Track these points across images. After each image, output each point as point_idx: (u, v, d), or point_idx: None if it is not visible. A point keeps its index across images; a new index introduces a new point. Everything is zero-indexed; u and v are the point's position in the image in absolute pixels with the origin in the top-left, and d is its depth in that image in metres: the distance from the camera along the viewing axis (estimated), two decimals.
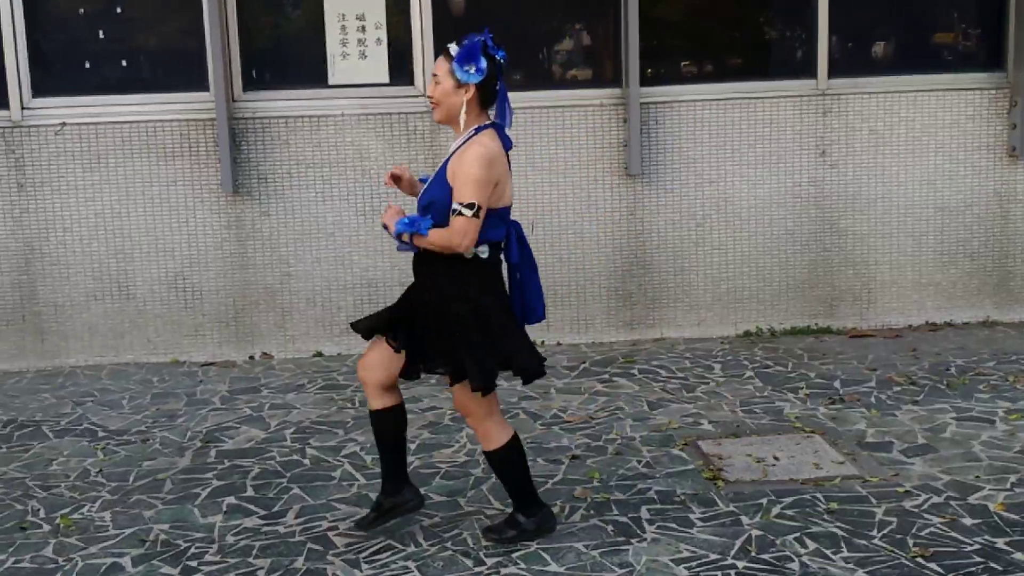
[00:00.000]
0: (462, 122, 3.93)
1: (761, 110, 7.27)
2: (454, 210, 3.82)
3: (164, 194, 7.07)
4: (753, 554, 4.06)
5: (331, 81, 7.14)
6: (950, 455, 5.04)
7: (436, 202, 3.93)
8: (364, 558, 4.16)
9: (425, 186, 4.07)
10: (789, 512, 4.43)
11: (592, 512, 4.51)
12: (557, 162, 7.23)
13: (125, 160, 7.04)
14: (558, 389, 6.30)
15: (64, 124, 7.00)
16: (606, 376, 6.53)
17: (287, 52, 7.39)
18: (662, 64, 7.41)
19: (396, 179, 4.17)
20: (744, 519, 4.38)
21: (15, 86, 6.95)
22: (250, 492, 4.89)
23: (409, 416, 5.78)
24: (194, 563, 4.17)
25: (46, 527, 4.58)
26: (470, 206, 3.80)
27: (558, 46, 7.62)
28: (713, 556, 4.06)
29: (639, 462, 5.07)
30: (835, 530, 4.25)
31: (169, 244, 7.12)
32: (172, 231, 7.11)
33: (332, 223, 7.13)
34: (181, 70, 7.18)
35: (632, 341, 7.34)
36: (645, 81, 7.14)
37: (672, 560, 4.04)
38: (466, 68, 3.87)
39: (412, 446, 5.38)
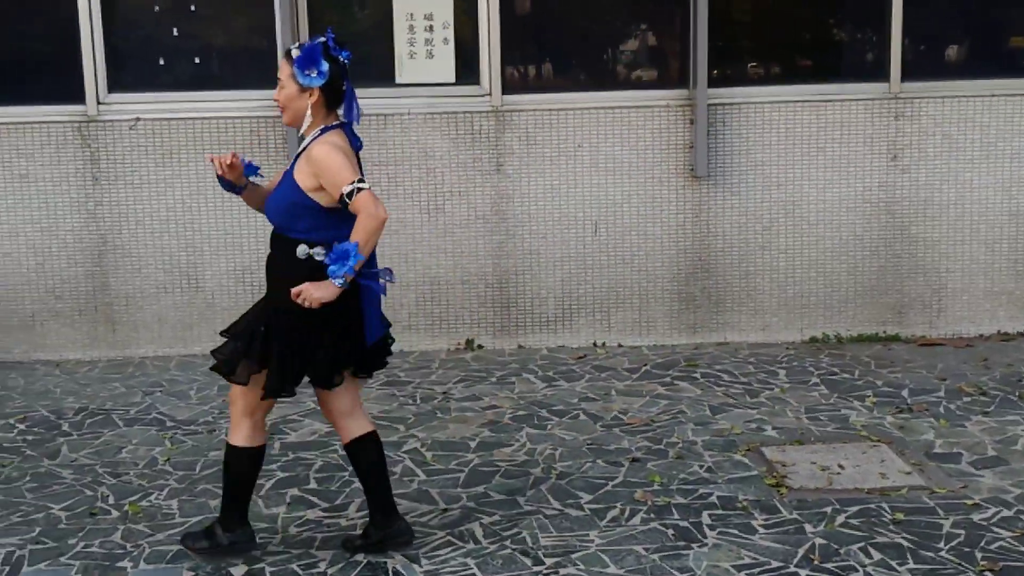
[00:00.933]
0: (306, 124, 3.92)
1: (831, 113, 7.20)
2: (349, 193, 3.76)
3: None
4: (816, 563, 4.03)
5: (398, 80, 7.19)
6: (1021, 468, 4.95)
7: (297, 204, 3.89)
8: (424, 553, 4.19)
9: (273, 190, 4.03)
10: (854, 521, 4.39)
11: (652, 516, 4.50)
12: (622, 163, 7.21)
13: (196, 156, 7.14)
14: (619, 391, 6.29)
15: (138, 119, 7.12)
16: (668, 379, 6.51)
17: (356, 51, 7.32)
18: (730, 65, 7.37)
19: (231, 167, 4.05)
20: (807, 527, 4.34)
21: (91, 81, 7.08)
22: (313, 484, 4.95)
23: (468, 414, 5.86)
24: (257, 553, 4.22)
25: (115, 513, 4.67)
26: (360, 181, 3.79)
27: (624, 47, 7.60)
28: (775, 564, 4.03)
29: (700, 467, 5.05)
30: (901, 541, 4.20)
31: (237, 239, 7.21)
32: (240, 226, 7.20)
33: (396, 220, 7.17)
34: (252, 67, 7.27)
35: (695, 345, 7.30)
36: (712, 82, 7.09)
37: (733, 566, 4.01)
38: (307, 72, 3.88)
39: (472, 444, 5.40)
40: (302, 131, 3.95)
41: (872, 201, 7.27)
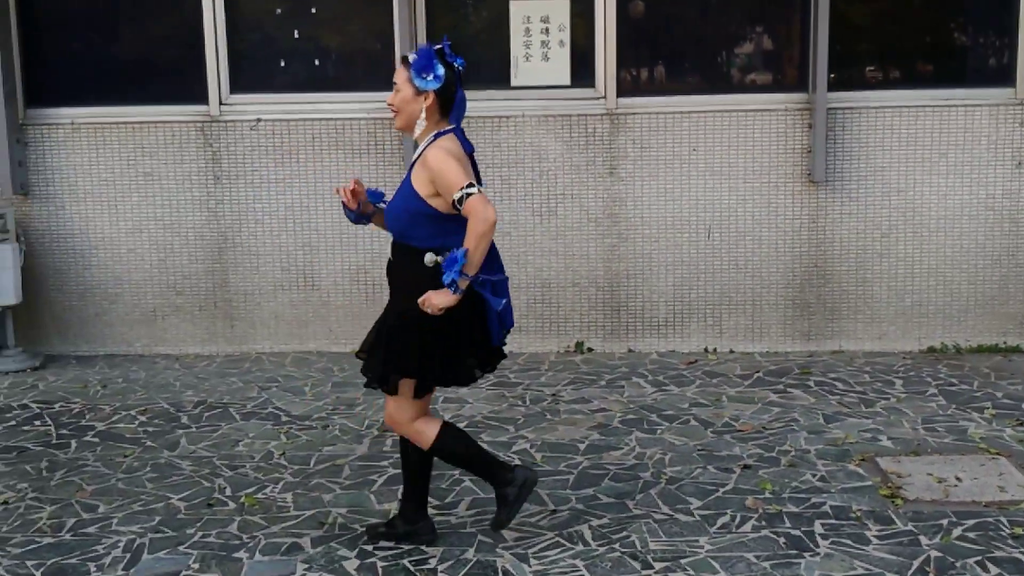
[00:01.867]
0: (419, 129, 3.99)
1: (954, 119, 7.03)
2: (459, 199, 3.81)
3: None
4: (931, 575, 3.94)
5: (514, 83, 7.23)
6: None
7: (416, 211, 3.95)
8: (533, 553, 4.20)
9: (392, 199, 4.10)
10: (971, 535, 4.28)
11: (764, 523, 4.45)
12: (737, 167, 7.14)
13: (314, 156, 7.29)
14: (730, 397, 6.23)
15: (259, 120, 7.29)
16: (780, 387, 6.42)
17: (472, 53, 7.46)
18: (850, 69, 7.24)
19: (354, 193, 4.17)
20: (923, 539, 4.25)
21: (215, 82, 7.27)
22: None
23: (578, 416, 5.86)
24: (370, 547, 4.29)
25: (231, 505, 4.78)
26: (469, 186, 3.82)
27: (740, 49, 7.52)
28: (889, 575, 3.95)
29: (813, 475, 4.97)
30: (1020, 556, 4.08)
31: (353, 239, 7.33)
32: (356, 227, 7.30)
33: (508, 222, 7.20)
34: (369, 70, 7.40)
35: (808, 352, 7.19)
36: (832, 86, 6.99)
37: None
38: (424, 76, 3.94)
39: (581, 447, 5.41)
40: (416, 136, 4.02)
41: (995, 208, 7.08)
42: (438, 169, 3.87)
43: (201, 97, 7.32)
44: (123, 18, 7.60)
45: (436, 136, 4.00)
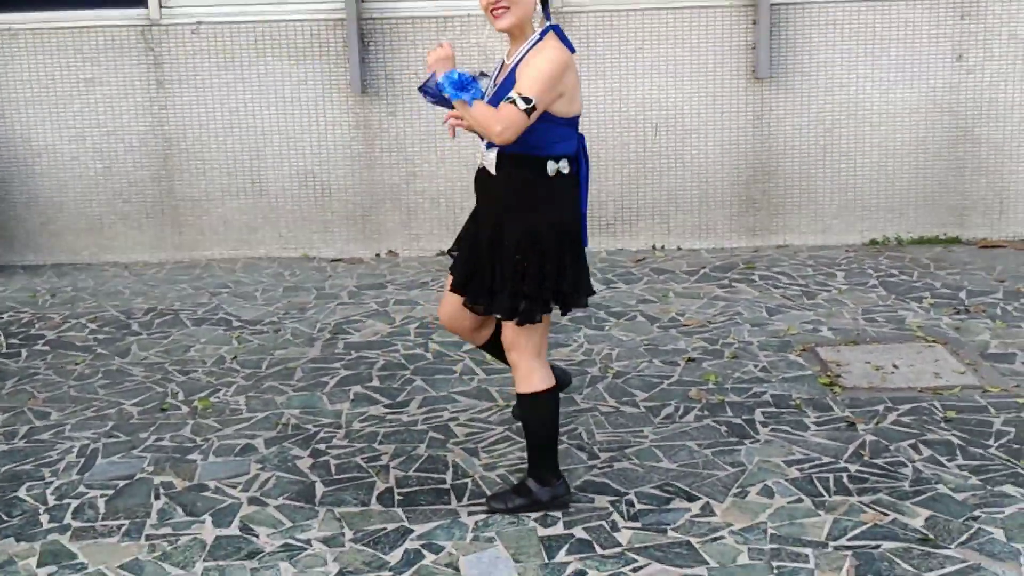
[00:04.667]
0: (536, 22, 3.63)
1: (896, 12, 7.07)
2: (509, 97, 3.42)
3: (295, 93, 7.24)
4: (866, 458, 4.09)
5: None
6: None
7: None
8: (482, 447, 4.31)
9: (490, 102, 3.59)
10: (905, 419, 4.43)
11: (706, 413, 4.58)
12: (682, 65, 7.16)
13: (258, 59, 7.22)
14: (677, 293, 6.34)
15: (200, 23, 7.18)
16: (726, 281, 6.54)
17: None
18: None
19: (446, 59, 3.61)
20: (859, 425, 4.40)
21: None
22: (375, 382, 5.08)
23: None
24: (322, 446, 4.37)
25: (184, 409, 4.84)
26: (527, 100, 3.41)
27: None
28: (826, 459, 4.10)
29: (755, 366, 5.11)
30: (951, 438, 4.24)
31: (299, 142, 7.31)
32: (302, 129, 7.29)
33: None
34: None
35: (754, 247, 7.31)
36: None
37: (784, 461, 4.09)
38: None
39: None
40: (535, 26, 3.63)
41: (936, 103, 7.17)
42: (540, 65, 3.47)
43: (140, 0, 7.19)
44: None
45: (542, 35, 3.63)
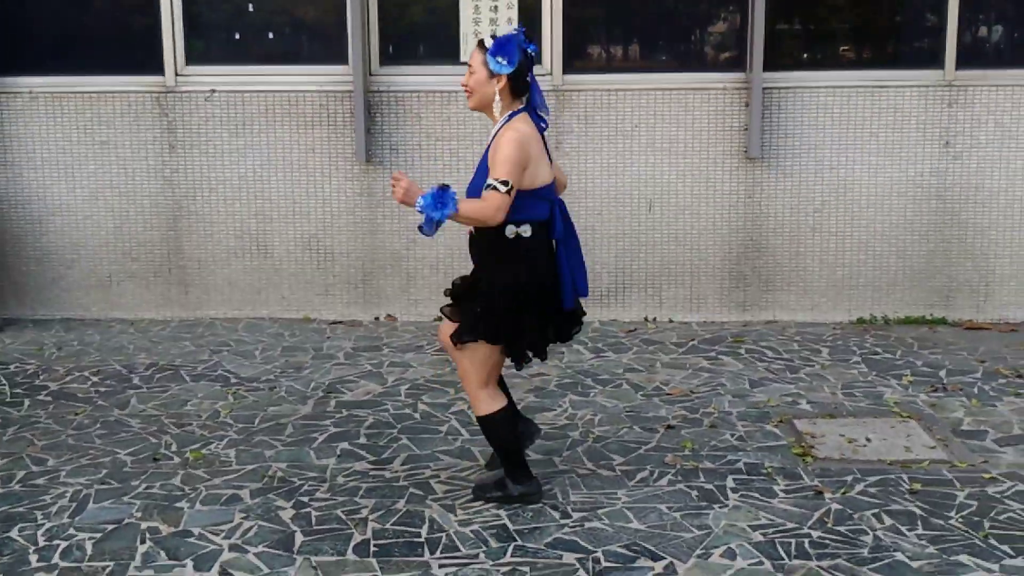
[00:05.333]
0: (497, 109, 4.21)
1: (885, 99, 7.30)
2: (489, 184, 4.04)
3: (302, 161, 7.49)
4: (829, 525, 4.22)
5: (463, 58, 7.42)
6: None
7: None
8: (459, 504, 4.45)
9: (472, 179, 4.29)
10: (872, 490, 4.56)
11: (680, 478, 4.71)
12: (677, 143, 7.39)
13: (268, 127, 7.48)
14: (664, 363, 6.50)
15: (214, 91, 7.46)
16: (713, 354, 6.70)
17: (423, 29, 7.72)
18: (786, 49, 7.50)
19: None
20: (827, 494, 4.53)
21: (171, 53, 7.44)
22: (363, 439, 5.24)
23: (517, 381, 6.10)
24: (305, 499, 4.53)
25: (176, 459, 5.01)
26: (504, 183, 4.02)
27: (683, 29, 7.76)
28: (790, 525, 4.23)
29: (732, 435, 5.25)
30: (914, 509, 4.37)
31: (305, 208, 7.54)
32: (308, 196, 7.53)
33: (460, 193, 7.39)
34: (323, 44, 7.60)
35: (743, 322, 7.48)
36: (768, 66, 7.24)
37: (749, 525, 4.22)
38: (499, 60, 4.14)
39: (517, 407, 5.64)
40: (495, 114, 4.22)
41: (923, 186, 7.37)
42: (503, 151, 4.05)
43: (157, 68, 7.48)
44: None
45: (511, 116, 4.21)
